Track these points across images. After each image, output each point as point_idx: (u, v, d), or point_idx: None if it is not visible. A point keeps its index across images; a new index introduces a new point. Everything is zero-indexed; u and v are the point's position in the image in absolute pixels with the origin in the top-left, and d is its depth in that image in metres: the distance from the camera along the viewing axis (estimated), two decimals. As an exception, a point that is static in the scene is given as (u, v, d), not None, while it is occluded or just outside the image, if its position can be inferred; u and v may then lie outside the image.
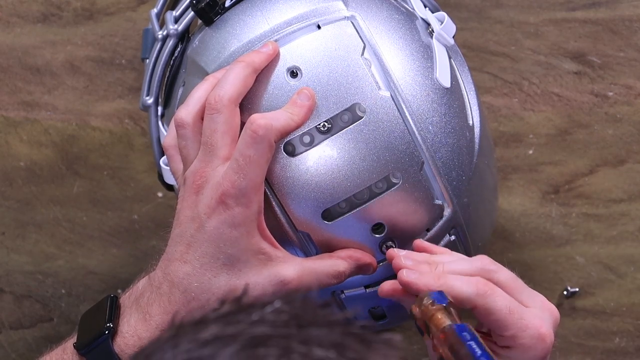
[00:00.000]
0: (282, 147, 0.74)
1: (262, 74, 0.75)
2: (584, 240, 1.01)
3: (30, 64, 1.03)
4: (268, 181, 0.75)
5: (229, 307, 0.54)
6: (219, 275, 0.74)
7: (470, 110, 0.80)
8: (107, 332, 0.75)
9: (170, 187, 0.85)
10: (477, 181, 0.80)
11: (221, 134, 0.74)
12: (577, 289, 1.00)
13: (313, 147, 0.75)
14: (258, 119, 0.73)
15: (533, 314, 0.74)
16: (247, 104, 0.75)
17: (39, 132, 1.03)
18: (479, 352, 0.63)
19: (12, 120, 1.03)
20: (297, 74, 0.75)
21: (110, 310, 0.76)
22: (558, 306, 1.01)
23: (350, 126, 0.74)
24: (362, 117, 0.75)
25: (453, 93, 0.78)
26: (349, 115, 0.75)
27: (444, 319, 0.67)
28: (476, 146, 0.79)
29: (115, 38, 1.03)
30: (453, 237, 0.79)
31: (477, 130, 0.80)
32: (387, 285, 0.74)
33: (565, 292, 1.00)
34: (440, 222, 0.78)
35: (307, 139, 0.75)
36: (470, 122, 0.80)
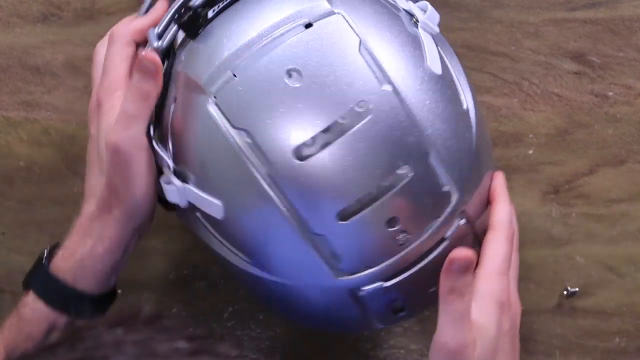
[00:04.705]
0: (292, 153, 0.74)
1: (262, 83, 0.75)
2: (584, 240, 1.01)
3: (30, 64, 1.03)
4: (280, 190, 0.75)
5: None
6: None
7: (464, 94, 0.80)
8: (45, 257, 0.82)
9: (171, 207, 0.83)
10: (478, 162, 0.80)
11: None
12: (577, 289, 1.00)
13: (322, 150, 0.74)
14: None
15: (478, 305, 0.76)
16: (252, 113, 0.75)
17: (39, 132, 1.03)
18: None
19: (12, 120, 1.03)
20: (296, 74, 0.75)
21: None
22: (558, 306, 1.01)
23: (358, 125, 0.74)
24: (367, 114, 0.74)
25: (445, 79, 0.79)
26: (355, 114, 0.75)
27: None
28: (473, 129, 0.80)
29: (115, 38, 1.03)
30: (463, 221, 0.79)
31: (472, 114, 0.80)
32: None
33: (565, 292, 1.01)
34: (449, 208, 0.78)
35: (315, 142, 0.75)
36: (465, 107, 0.80)
